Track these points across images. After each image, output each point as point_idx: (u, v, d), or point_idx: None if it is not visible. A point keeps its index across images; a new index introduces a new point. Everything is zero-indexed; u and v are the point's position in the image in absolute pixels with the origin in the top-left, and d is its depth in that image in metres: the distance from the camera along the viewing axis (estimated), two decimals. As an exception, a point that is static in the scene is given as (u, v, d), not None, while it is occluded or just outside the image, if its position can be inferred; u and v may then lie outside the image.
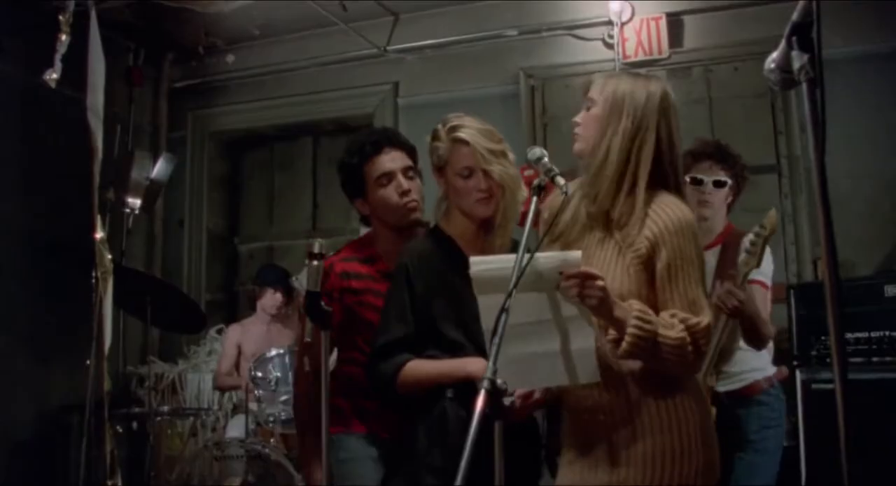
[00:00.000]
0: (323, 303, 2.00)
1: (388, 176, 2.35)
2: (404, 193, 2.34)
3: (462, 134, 2.14)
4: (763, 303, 2.69)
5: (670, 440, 1.80)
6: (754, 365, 2.75)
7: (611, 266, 1.86)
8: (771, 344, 2.82)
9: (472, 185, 2.13)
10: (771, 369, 2.81)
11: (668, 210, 1.85)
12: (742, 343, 2.69)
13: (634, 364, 1.83)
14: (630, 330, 1.73)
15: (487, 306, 1.72)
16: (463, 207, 2.17)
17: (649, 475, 1.78)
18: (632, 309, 1.76)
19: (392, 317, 2.12)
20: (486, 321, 1.74)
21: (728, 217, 2.91)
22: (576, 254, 1.76)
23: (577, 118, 1.98)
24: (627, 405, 1.83)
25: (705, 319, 1.80)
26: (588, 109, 1.95)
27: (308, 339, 1.89)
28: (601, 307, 1.72)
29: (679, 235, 1.83)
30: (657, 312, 1.81)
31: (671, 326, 1.76)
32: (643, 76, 1.99)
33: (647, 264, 1.84)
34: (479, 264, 1.77)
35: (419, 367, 2.06)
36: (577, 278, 1.69)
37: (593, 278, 1.70)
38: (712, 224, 2.84)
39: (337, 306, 2.25)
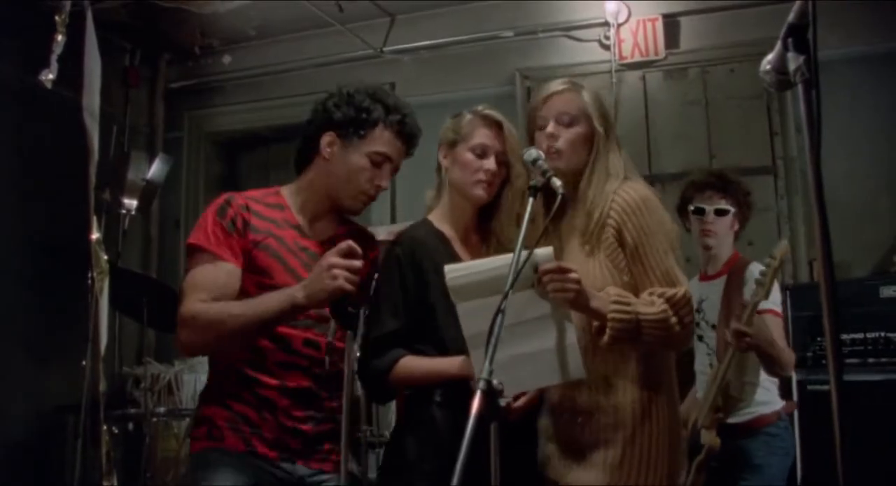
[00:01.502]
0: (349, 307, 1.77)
1: (383, 159, 2.11)
2: (378, 187, 2.12)
3: (499, 119, 2.14)
4: (777, 331, 2.66)
5: (640, 449, 1.83)
6: (760, 399, 2.72)
7: (589, 268, 1.87)
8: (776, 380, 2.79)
9: (482, 165, 2.08)
10: (779, 403, 2.79)
11: (621, 194, 1.89)
12: (751, 376, 2.66)
13: (615, 369, 1.84)
14: (611, 315, 1.76)
15: (466, 313, 1.74)
16: (460, 183, 2.12)
17: (615, 480, 1.81)
18: (608, 296, 1.78)
19: (384, 309, 2.07)
20: (467, 328, 1.75)
21: (735, 245, 2.91)
22: (547, 249, 1.77)
23: (552, 130, 1.96)
24: (605, 410, 1.86)
25: (682, 288, 1.83)
26: (568, 125, 1.95)
27: (329, 338, 1.85)
28: (578, 300, 1.73)
29: (636, 212, 1.86)
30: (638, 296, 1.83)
31: (651, 303, 1.79)
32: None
33: (620, 252, 1.88)
34: (453, 271, 1.78)
35: (412, 364, 2.03)
36: (553, 272, 1.70)
37: (567, 271, 1.71)
38: (718, 253, 2.86)
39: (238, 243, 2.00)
